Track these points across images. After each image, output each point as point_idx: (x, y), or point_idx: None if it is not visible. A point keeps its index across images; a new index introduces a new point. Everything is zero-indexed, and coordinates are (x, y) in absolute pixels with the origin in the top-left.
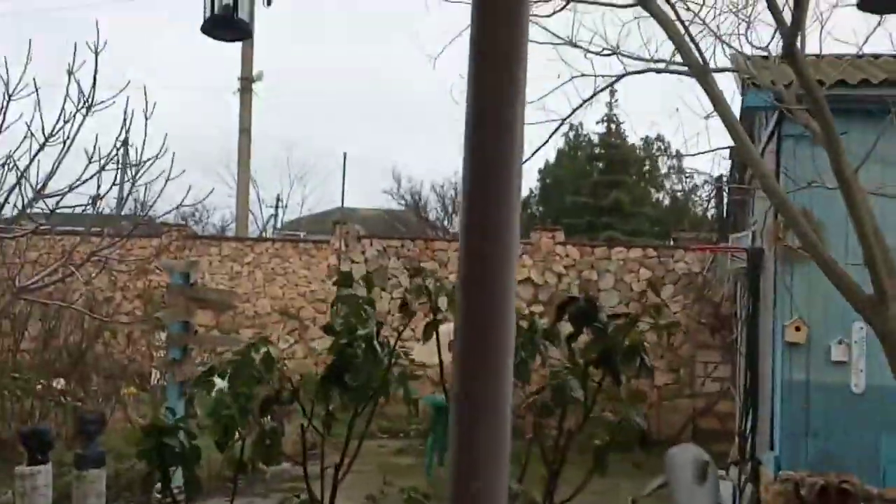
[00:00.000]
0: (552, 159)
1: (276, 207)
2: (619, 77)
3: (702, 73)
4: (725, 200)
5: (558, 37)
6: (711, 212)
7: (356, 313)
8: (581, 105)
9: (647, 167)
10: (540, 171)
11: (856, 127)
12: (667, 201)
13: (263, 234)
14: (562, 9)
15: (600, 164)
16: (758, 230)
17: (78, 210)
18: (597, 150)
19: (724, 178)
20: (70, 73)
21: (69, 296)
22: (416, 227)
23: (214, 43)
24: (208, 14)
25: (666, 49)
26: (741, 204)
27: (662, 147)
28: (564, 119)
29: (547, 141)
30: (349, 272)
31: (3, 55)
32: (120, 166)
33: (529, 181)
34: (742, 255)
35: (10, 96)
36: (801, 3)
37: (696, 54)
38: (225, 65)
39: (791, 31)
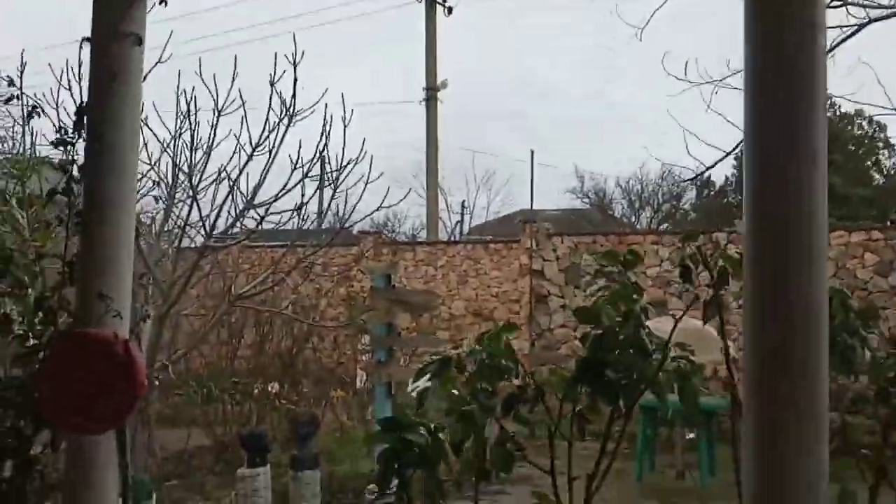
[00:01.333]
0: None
1: (462, 213)
2: (861, 26)
3: None
4: None
5: None
6: None
7: (621, 296)
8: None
9: (860, 144)
10: (736, 158)
11: None
12: (881, 181)
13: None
14: None
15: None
16: None
17: (285, 217)
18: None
19: None
20: (272, 83)
21: (278, 304)
22: (602, 224)
23: (387, 58)
24: None
25: None
26: None
27: (871, 119)
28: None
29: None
30: (585, 308)
31: (212, 73)
32: (319, 176)
33: (724, 168)
34: None
35: (219, 112)
36: None
37: None
38: (404, 78)
39: None
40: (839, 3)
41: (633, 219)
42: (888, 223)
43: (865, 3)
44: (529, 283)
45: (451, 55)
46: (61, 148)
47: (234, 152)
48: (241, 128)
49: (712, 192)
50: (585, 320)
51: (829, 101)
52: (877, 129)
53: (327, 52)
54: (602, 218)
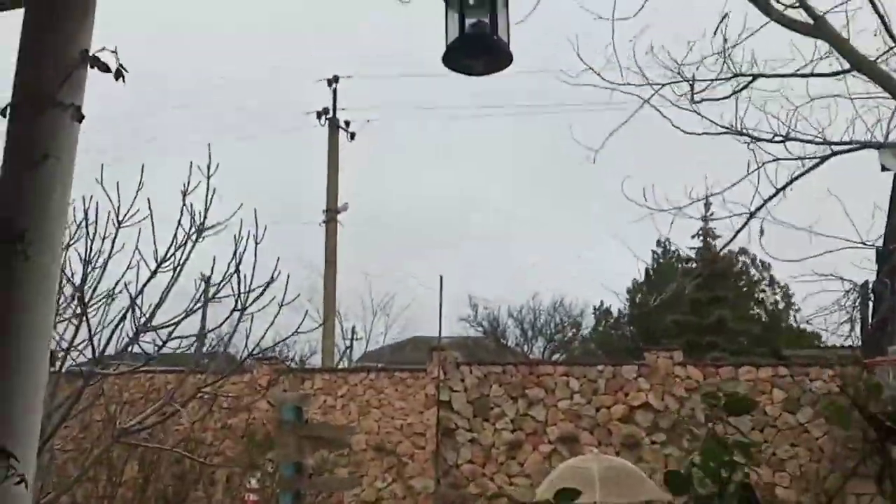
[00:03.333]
0: (641, 277)
1: (352, 339)
2: (825, 157)
3: None
4: (871, 309)
5: (721, 125)
6: (835, 324)
7: (718, 457)
8: (776, 193)
9: (744, 282)
10: (629, 291)
11: None
12: (766, 318)
13: (347, 366)
14: (739, 91)
15: (696, 281)
16: None
17: (185, 344)
18: (690, 265)
19: (870, 284)
20: (184, 194)
21: (166, 438)
22: (496, 353)
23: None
24: (455, 35)
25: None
26: (891, 312)
27: (755, 259)
28: (753, 212)
29: (736, 234)
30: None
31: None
32: (234, 297)
33: (618, 301)
34: None
35: (119, 223)
36: None
37: None
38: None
39: None
40: (780, 139)
41: (525, 348)
42: (779, 358)
43: (817, 139)
44: (437, 414)
45: (347, 179)
46: None
47: (129, 267)
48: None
49: (609, 323)
50: (675, 489)
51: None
52: (760, 266)
53: (239, 165)
54: (496, 347)
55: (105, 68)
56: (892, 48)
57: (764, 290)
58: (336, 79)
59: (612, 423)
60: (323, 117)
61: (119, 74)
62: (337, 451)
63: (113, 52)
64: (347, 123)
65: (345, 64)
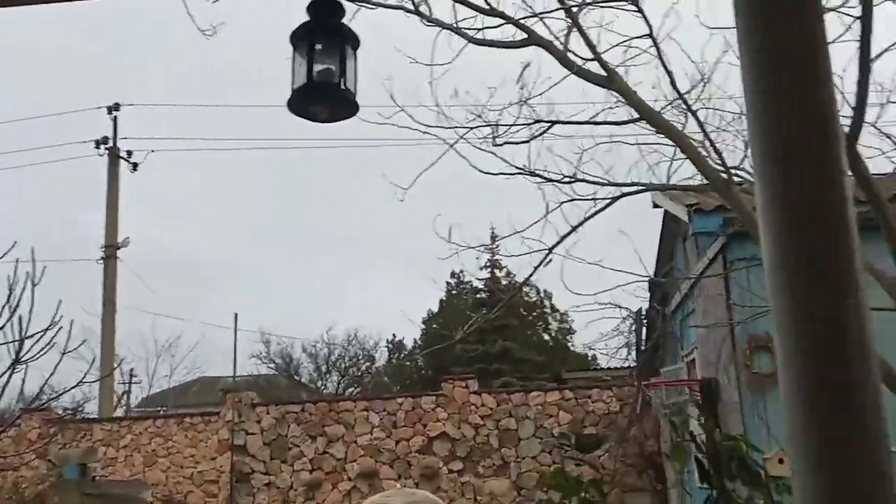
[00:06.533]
0: (435, 307)
1: (130, 383)
2: (615, 198)
3: (724, 187)
4: (643, 334)
5: (515, 166)
6: (614, 348)
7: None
8: (571, 231)
9: (529, 311)
10: (424, 322)
11: None
12: (550, 343)
13: (127, 413)
14: (540, 134)
15: (484, 310)
16: (704, 361)
17: None
18: (481, 296)
19: (643, 311)
20: None
21: None
22: (289, 390)
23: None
24: (301, 81)
25: (626, 170)
26: (662, 337)
27: (539, 289)
28: (552, 248)
29: (535, 270)
30: None
31: None
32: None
33: (414, 331)
34: (679, 389)
35: None
36: (863, 98)
37: (716, 166)
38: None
39: (853, 131)
40: (568, 180)
41: (320, 383)
42: (561, 382)
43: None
44: (230, 459)
45: (135, 213)
46: None
47: None
48: None
49: (403, 355)
50: None
51: (508, 272)
52: (544, 295)
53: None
54: (289, 384)
55: None
56: (673, 100)
57: (546, 319)
58: (117, 106)
59: (411, 456)
60: (102, 146)
61: None
62: None
63: None
64: (130, 153)
65: (138, 93)
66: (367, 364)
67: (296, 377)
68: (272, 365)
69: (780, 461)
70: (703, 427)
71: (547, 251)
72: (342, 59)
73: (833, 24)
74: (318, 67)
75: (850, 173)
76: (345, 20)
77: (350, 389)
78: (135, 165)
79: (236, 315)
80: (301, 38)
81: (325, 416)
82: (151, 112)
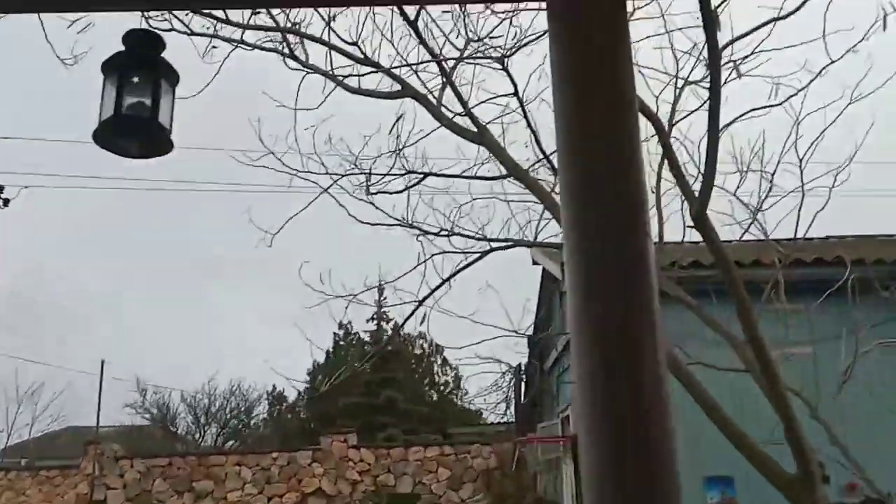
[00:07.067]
0: (321, 359)
1: None
2: (485, 252)
3: None
4: (523, 390)
5: (394, 217)
6: (494, 403)
7: None
8: (442, 283)
9: (419, 364)
10: (308, 373)
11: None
12: (436, 397)
13: None
14: (414, 185)
15: (366, 364)
16: (577, 417)
17: None
18: (367, 348)
19: (523, 367)
20: None
21: None
22: (164, 443)
23: None
24: (108, 113)
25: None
26: (539, 393)
27: (431, 342)
28: (422, 300)
29: (406, 321)
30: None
31: None
32: None
33: (299, 383)
34: (556, 444)
35: None
36: (712, 161)
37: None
38: None
39: (702, 198)
40: (446, 233)
41: (197, 435)
42: (444, 437)
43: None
44: None
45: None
46: None
47: None
48: None
49: (284, 407)
50: None
51: (392, 324)
52: (434, 348)
53: None
54: (164, 435)
55: None
56: (540, 159)
57: (436, 372)
58: None
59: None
60: None
61: None
62: None
63: None
64: (1, 188)
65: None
66: (248, 417)
67: (171, 428)
68: (147, 415)
69: None
70: (576, 481)
71: (417, 303)
72: (155, 93)
73: (690, 99)
74: (129, 100)
75: (700, 240)
76: (204, 59)
77: (230, 443)
78: (6, 201)
79: (102, 362)
80: (113, 69)
81: (194, 470)
82: (29, 146)
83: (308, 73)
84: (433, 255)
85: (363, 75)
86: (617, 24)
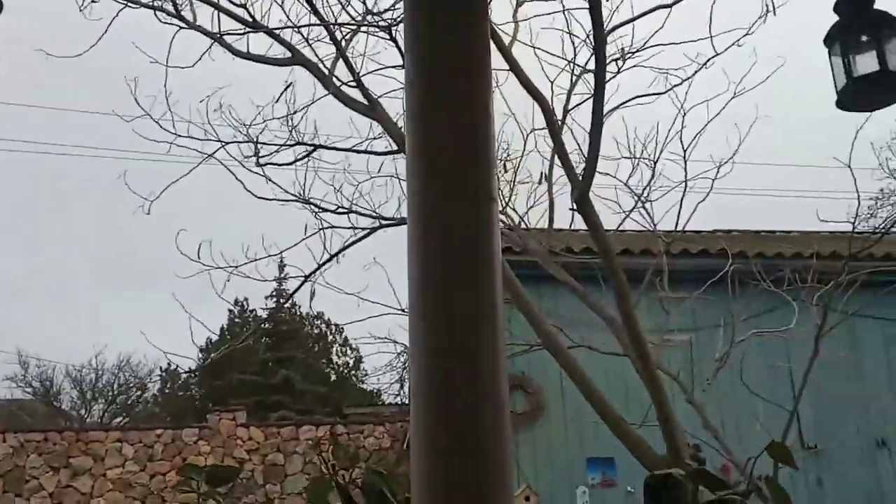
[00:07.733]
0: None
1: None
2: (374, 229)
3: None
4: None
5: (291, 193)
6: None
7: None
8: (329, 259)
9: (316, 343)
10: (202, 350)
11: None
12: (334, 377)
13: None
14: (302, 157)
15: (269, 340)
16: None
17: None
18: (266, 326)
19: None
20: None
21: None
22: (47, 417)
23: None
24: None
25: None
26: None
27: (329, 321)
28: (308, 275)
29: (291, 296)
30: None
31: None
32: None
33: (191, 360)
34: None
35: None
36: (595, 145)
37: None
38: None
39: (585, 182)
40: (344, 210)
41: (83, 411)
42: (343, 417)
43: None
44: None
45: None
46: None
47: None
48: None
49: (177, 385)
50: None
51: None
52: (334, 329)
53: None
54: (47, 411)
55: None
56: None
57: (335, 353)
58: None
59: (166, 491)
60: None
61: None
62: None
63: None
64: None
65: None
66: (138, 393)
67: (55, 404)
68: (29, 389)
69: (527, 498)
70: None
71: (304, 278)
72: None
73: (580, 85)
74: None
75: (584, 226)
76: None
77: (118, 419)
78: None
79: None
80: None
81: (72, 445)
82: None
83: (182, 28)
84: (321, 228)
85: (245, 33)
86: None
